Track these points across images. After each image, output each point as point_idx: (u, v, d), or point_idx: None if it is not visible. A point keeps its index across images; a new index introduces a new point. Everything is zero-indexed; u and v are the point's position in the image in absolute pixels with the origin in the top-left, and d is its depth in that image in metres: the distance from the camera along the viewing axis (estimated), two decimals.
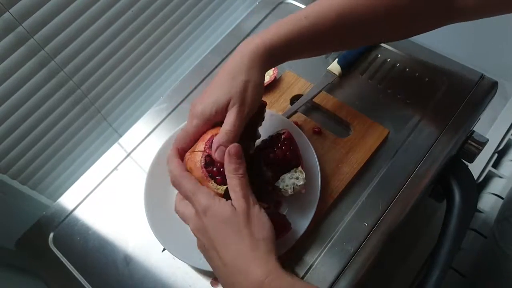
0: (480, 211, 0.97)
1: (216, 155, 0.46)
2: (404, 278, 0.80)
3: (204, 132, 0.49)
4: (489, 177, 1.02)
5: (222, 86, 0.47)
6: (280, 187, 0.51)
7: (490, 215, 0.95)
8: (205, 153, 0.47)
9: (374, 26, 0.52)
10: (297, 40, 0.49)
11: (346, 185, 0.57)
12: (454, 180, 0.61)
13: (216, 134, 0.47)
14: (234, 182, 0.44)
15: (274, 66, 0.52)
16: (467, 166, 0.64)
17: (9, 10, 0.54)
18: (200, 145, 0.48)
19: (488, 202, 0.98)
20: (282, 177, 0.52)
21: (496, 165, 1.03)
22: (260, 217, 0.44)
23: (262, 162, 0.53)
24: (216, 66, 0.73)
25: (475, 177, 1.01)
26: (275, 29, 0.49)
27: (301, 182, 0.51)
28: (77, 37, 0.64)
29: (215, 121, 0.49)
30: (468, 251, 0.91)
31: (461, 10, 0.50)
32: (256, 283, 0.40)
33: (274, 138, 0.53)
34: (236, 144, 0.45)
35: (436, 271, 0.56)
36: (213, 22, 0.88)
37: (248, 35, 0.76)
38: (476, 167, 1.01)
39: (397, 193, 0.57)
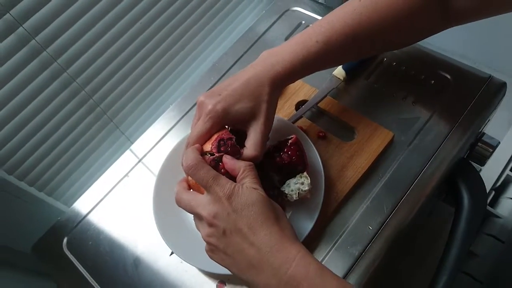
0: (498, 217, 0.94)
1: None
2: (417, 284, 0.79)
3: (214, 133, 0.50)
4: (507, 182, 0.99)
5: (245, 99, 0.50)
6: (286, 192, 0.52)
7: (508, 220, 0.93)
8: (210, 158, 0.48)
9: (376, 42, 0.56)
10: (310, 63, 0.53)
11: (350, 189, 0.57)
12: (462, 183, 0.60)
13: (221, 134, 0.49)
14: (250, 174, 0.46)
15: (289, 84, 0.56)
16: (476, 169, 0.63)
17: (22, 25, 0.57)
18: (207, 146, 0.49)
19: (507, 207, 0.95)
20: (287, 182, 0.52)
21: None
22: (278, 205, 0.46)
23: (269, 167, 0.54)
24: (223, 74, 0.74)
25: (492, 181, 0.98)
26: (291, 55, 0.52)
27: (306, 188, 0.51)
28: (88, 48, 0.67)
29: (226, 124, 0.51)
30: (485, 257, 0.89)
31: (457, 17, 0.53)
32: (290, 257, 0.41)
33: (282, 143, 0.54)
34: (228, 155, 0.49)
35: (443, 276, 0.55)
36: (222, 32, 0.90)
37: (255, 42, 0.77)
38: (493, 171, 0.98)
39: (403, 196, 0.56)
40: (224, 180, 0.44)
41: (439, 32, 0.55)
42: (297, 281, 0.40)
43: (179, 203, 0.48)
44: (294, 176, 0.52)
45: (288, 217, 0.54)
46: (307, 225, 0.53)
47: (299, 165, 0.53)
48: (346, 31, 0.53)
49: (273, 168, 0.53)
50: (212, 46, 0.90)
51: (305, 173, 0.52)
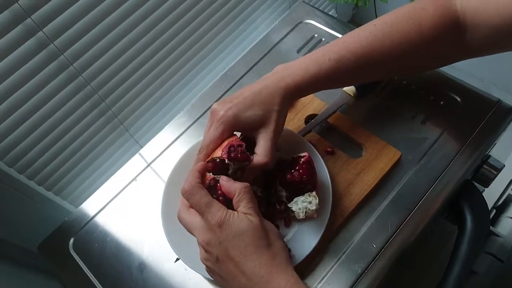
0: (498, 235, 0.95)
1: (247, 174, 0.51)
2: None
3: (225, 139, 0.52)
4: (508, 201, 1.00)
5: (256, 106, 0.51)
6: (293, 209, 0.52)
7: (508, 239, 0.93)
8: (211, 177, 0.49)
9: (388, 67, 0.57)
10: (321, 80, 0.54)
11: (356, 206, 0.58)
12: (466, 205, 0.61)
13: (232, 141, 0.50)
14: (244, 197, 0.46)
15: (300, 98, 0.59)
16: (481, 192, 0.64)
17: (42, 30, 0.58)
18: (218, 152, 0.50)
19: (507, 227, 0.95)
20: (295, 199, 0.53)
21: None
22: (272, 228, 0.47)
23: (278, 181, 0.54)
24: (235, 83, 0.75)
25: (494, 199, 0.99)
26: (303, 69, 0.54)
27: (314, 207, 0.51)
28: (104, 53, 0.68)
29: (237, 130, 0.52)
30: (484, 276, 0.89)
31: (471, 50, 0.54)
32: None
33: (294, 160, 0.54)
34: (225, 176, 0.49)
35: None
36: (234, 40, 0.91)
37: (267, 53, 0.77)
38: (495, 190, 0.99)
39: (407, 216, 0.57)
40: (215, 207, 0.45)
41: (453, 63, 0.56)
42: None
43: (180, 220, 0.50)
44: (302, 193, 0.53)
45: (294, 232, 0.55)
46: (312, 241, 0.54)
47: (308, 185, 0.53)
48: (358, 52, 0.54)
49: (283, 183, 0.54)
50: (224, 54, 0.90)
51: (314, 193, 0.53)
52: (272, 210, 0.55)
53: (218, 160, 0.50)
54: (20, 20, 0.54)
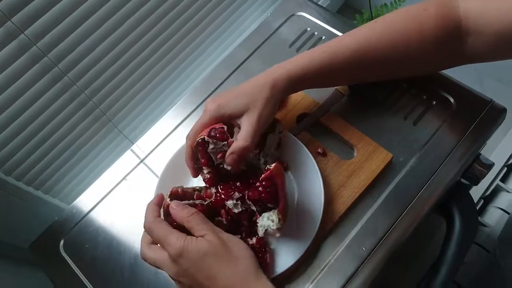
0: (485, 225, 0.96)
1: (228, 160, 0.51)
2: None
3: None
4: (496, 191, 1.01)
5: (243, 96, 0.52)
6: (259, 225, 0.50)
7: (495, 229, 0.95)
8: (166, 204, 0.49)
9: (385, 67, 0.57)
10: (314, 72, 0.54)
11: (346, 209, 0.58)
12: (455, 206, 0.62)
13: (215, 125, 0.52)
14: (193, 223, 0.46)
15: (293, 93, 0.57)
16: (468, 190, 0.64)
17: (24, 32, 0.56)
18: (200, 134, 0.52)
19: (494, 217, 0.97)
20: (263, 214, 0.51)
21: (504, 179, 1.02)
22: (232, 239, 0.47)
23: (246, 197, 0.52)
24: (225, 80, 0.73)
25: (483, 189, 1.00)
26: (296, 61, 0.54)
27: (275, 227, 0.49)
28: (90, 52, 0.66)
29: (224, 120, 0.53)
30: (470, 265, 0.91)
31: (471, 56, 0.53)
32: None
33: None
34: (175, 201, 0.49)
35: None
36: (222, 34, 0.89)
37: (255, 50, 0.75)
38: (483, 181, 1.00)
39: (397, 218, 0.57)
40: (173, 238, 0.45)
41: (452, 67, 0.55)
42: None
43: (145, 260, 0.50)
44: (270, 209, 0.51)
45: (282, 237, 0.54)
46: (301, 247, 0.53)
47: (269, 203, 0.50)
48: (354, 48, 0.53)
49: (249, 199, 0.52)
50: (211, 49, 0.88)
51: (276, 211, 0.50)
52: (254, 223, 0.54)
53: (200, 140, 0.51)
54: (0, 24, 0.52)
